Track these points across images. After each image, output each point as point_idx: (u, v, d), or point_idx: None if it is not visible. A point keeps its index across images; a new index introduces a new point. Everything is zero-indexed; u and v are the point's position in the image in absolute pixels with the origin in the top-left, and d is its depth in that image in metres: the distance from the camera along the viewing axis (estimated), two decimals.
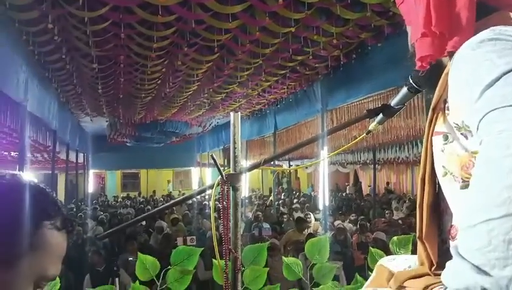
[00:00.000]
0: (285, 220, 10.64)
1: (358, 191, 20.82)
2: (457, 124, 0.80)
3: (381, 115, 1.11)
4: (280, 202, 15.43)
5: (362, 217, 10.04)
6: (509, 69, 0.65)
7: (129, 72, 9.08)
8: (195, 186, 24.49)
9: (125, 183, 27.48)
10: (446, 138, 0.83)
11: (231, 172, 1.56)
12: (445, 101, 0.84)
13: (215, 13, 6.09)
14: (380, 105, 1.20)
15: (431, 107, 0.89)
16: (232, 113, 1.64)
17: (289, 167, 14.70)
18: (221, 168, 1.57)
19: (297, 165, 14.79)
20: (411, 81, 0.98)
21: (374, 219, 10.36)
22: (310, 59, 8.23)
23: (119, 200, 20.86)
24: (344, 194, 20.56)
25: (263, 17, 6.34)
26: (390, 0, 5.54)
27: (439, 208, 0.90)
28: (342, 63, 8.44)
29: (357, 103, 8.43)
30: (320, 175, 10.62)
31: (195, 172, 25.69)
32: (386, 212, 11.06)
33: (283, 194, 19.18)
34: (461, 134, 0.79)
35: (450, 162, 0.81)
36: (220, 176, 1.55)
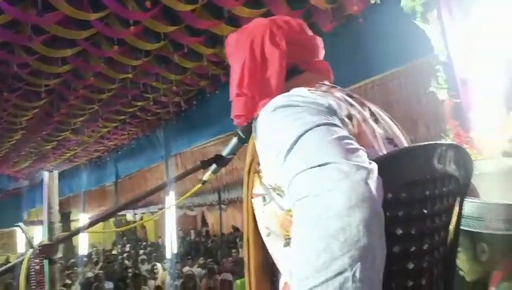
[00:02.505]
0: (130, 275, 9.91)
1: (206, 233, 20.89)
2: (271, 185, 0.83)
3: (214, 165, 1.14)
4: (125, 255, 14.39)
5: (210, 259, 10.03)
6: (303, 131, 0.71)
7: None
8: (21, 249, 21.10)
9: None
10: (264, 199, 0.85)
11: (45, 242, 1.30)
12: (258, 164, 0.87)
13: (42, 56, 5.60)
14: (217, 151, 1.23)
15: (245, 171, 0.91)
16: (45, 173, 1.38)
17: (134, 216, 13.91)
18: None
19: (143, 214, 14.14)
20: (239, 131, 1.02)
21: (222, 259, 10.46)
22: (151, 105, 8.17)
23: None
24: (192, 237, 20.33)
25: (98, 62, 6.08)
26: (224, 51, 5.96)
27: (271, 267, 0.90)
28: (183, 109, 8.61)
29: (200, 147, 8.63)
30: (168, 221, 10.34)
31: (21, 232, 22.20)
32: (233, 251, 11.29)
33: (128, 245, 17.95)
34: (277, 194, 0.82)
35: (271, 221, 0.84)
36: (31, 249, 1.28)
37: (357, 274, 0.56)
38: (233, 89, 0.98)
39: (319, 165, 0.64)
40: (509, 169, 2.58)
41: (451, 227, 0.85)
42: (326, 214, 0.60)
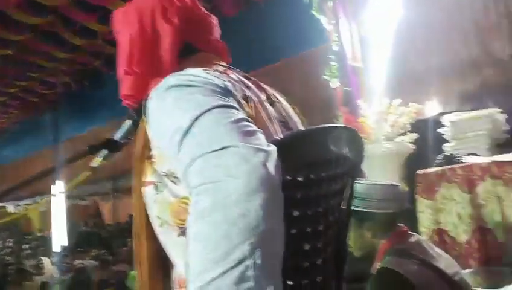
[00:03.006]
0: (12, 271, 8.99)
1: (99, 223, 19.77)
2: (164, 172, 0.78)
3: (106, 151, 1.04)
4: (6, 250, 12.99)
5: (104, 250, 9.55)
6: (199, 113, 0.66)
7: None
8: None
9: None
10: (156, 187, 0.80)
11: None
12: (150, 149, 0.81)
13: None
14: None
15: (135, 157, 0.85)
16: None
17: (16, 208, 12.59)
18: None
19: (28, 205, 12.86)
20: (132, 113, 0.94)
21: (117, 249, 10.02)
22: (37, 85, 7.39)
23: None
24: (84, 228, 19.10)
25: None
26: None
27: (164, 261, 0.84)
28: (74, 90, 7.94)
29: (97, 131, 8.08)
30: (55, 212, 9.56)
31: None
32: (128, 240, 10.86)
33: (9, 240, 16.22)
34: (171, 181, 0.77)
35: (164, 211, 0.79)
36: None
37: (258, 261, 0.55)
38: (121, 67, 0.90)
39: (217, 150, 0.61)
40: (390, 152, 2.85)
41: (344, 207, 0.89)
42: (225, 201, 0.57)
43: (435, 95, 4.42)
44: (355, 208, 1.52)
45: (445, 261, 1.41)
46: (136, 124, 1.01)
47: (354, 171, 0.89)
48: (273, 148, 0.63)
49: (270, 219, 0.57)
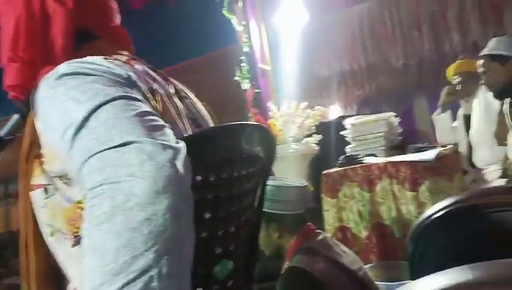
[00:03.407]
0: None
1: None
2: (56, 173, 0.69)
3: None
4: None
5: None
6: (96, 105, 0.59)
7: None
8: None
9: None
10: (46, 190, 0.70)
11: None
12: (39, 147, 0.71)
13: None
14: None
15: (21, 156, 0.74)
16: None
17: None
18: None
19: None
20: (19, 106, 0.83)
21: (10, 261, 9.05)
22: None
23: None
24: None
25: None
26: None
27: (55, 274, 0.74)
28: None
29: None
30: None
31: None
32: None
33: None
34: (63, 183, 0.69)
35: (55, 217, 0.70)
36: None
37: (164, 270, 0.49)
38: (4, 53, 0.77)
39: (117, 146, 0.54)
40: (297, 153, 2.95)
41: (255, 207, 0.86)
42: (128, 204, 0.50)
43: (337, 100, 4.70)
44: (266, 210, 1.52)
45: (349, 258, 1.47)
46: (24, 118, 0.88)
47: (266, 170, 0.87)
48: (181, 145, 0.57)
49: (178, 223, 0.51)
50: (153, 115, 0.61)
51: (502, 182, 2.32)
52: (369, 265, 1.90)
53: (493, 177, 2.47)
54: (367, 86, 4.34)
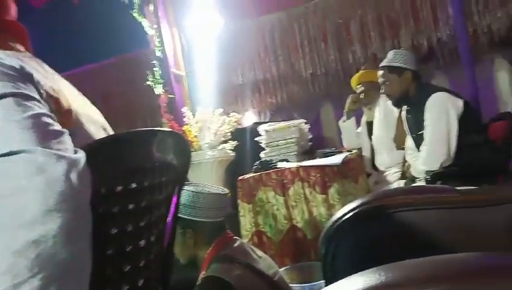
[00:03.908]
0: None
1: None
2: None
3: None
4: None
5: None
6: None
7: None
8: None
9: None
10: None
11: None
12: None
13: None
14: None
15: None
16: None
17: None
18: None
19: None
20: None
21: None
22: None
23: None
24: None
25: None
26: None
27: None
28: None
29: None
30: None
31: None
32: None
33: None
34: None
35: None
36: None
37: None
38: None
39: (3, 155, 0.47)
40: (214, 159, 2.92)
41: (169, 218, 0.82)
42: (14, 224, 0.43)
43: (252, 106, 4.78)
44: (181, 216, 1.47)
45: (265, 263, 1.48)
46: None
47: (181, 178, 0.83)
48: (80, 156, 0.51)
49: (71, 246, 0.46)
50: (49, 117, 0.54)
51: (401, 183, 2.53)
52: (284, 268, 1.94)
53: (393, 179, 2.68)
54: (279, 94, 4.47)
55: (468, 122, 2.16)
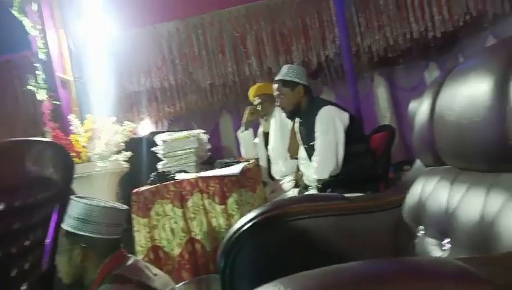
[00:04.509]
0: None
1: None
2: None
3: None
4: None
5: None
6: None
7: None
8: None
9: None
10: None
11: None
12: None
13: None
14: None
15: None
16: None
17: None
18: None
19: None
20: None
21: None
22: None
23: None
24: None
25: None
26: None
27: None
28: None
29: None
30: None
31: None
32: None
33: None
34: None
35: None
36: None
37: None
38: None
39: None
40: (105, 171, 2.73)
41: (49, 239, 0.73)
42: None
43: (148, 115, 4.61)
44: (69, 229, 1.33)
45: (161, 280, 1.41)
46: None
47: (62, 194, 0.74)
48: None
49: None
50: None
51: (295, 191, 2.65)
52: (182, 283, 1.88)
53: (288, 187, 2.79)
54: (177, 103, 4.40)
55: (354, 133, 2.34)
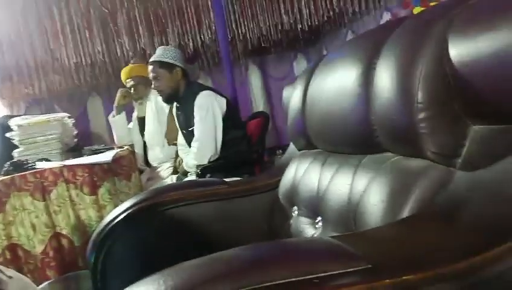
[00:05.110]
0: None
1: None
2: None
3: None
4: None
5: None
6: None
7: None
8: None
9: None
10: None
11: None
12: None
13: None
14: None
15: None
16: None
17: None
18: None
19: None
20: None
21: None
22: None
23: None
24: None
25: None
26: None
27: None
28: None
29: None
30: None
31: None
32: None
33: None
34: None
35: None
36: None
37: None
38: None
39: None
40: None
41: None
42: None
43: (1, 97, 4.01)
44: None
45: (19, 283, 1.24)
46: None
47: None
48: None
49: None
50: None
51: (174, 178, 2.58)
52: (47, 282, 1.70)
53: (166, 174, 2.72)
54: (37, 83, 3.90)
55: (231, 119, 2.38)
